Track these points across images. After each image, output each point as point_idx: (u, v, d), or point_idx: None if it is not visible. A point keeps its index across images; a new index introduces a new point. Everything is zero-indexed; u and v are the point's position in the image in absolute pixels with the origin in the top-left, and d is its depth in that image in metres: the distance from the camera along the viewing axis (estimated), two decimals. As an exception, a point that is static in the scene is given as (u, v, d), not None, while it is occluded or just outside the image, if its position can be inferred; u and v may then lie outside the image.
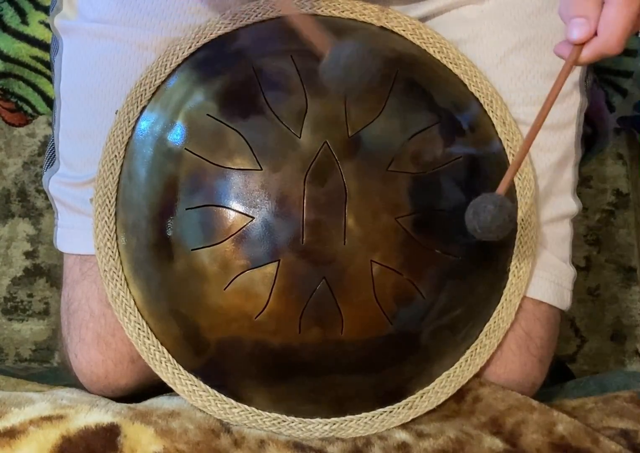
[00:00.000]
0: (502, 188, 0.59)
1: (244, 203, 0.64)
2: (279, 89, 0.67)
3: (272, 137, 0.65)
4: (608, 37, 0.57)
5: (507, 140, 0.72)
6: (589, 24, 0.57)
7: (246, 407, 0.68)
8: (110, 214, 0.69)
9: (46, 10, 1.00)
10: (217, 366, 0.68)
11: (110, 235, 0.69)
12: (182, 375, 0.69)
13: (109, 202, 0.69)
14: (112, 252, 0.69)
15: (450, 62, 0.72)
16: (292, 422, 0.68)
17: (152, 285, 0.68)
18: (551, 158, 0.73)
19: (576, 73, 0.75)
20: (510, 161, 0.72)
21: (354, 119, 0.66)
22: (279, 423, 0.68)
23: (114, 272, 0.69)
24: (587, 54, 0.59)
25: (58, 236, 0.74)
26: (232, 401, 0.68)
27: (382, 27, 0.72)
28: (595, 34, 0.57)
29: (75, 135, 0.74)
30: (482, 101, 0.72)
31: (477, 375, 0.71)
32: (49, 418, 0.62)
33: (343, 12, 0.72)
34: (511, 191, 0.71)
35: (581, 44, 0.58)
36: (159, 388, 0.70)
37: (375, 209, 0.65)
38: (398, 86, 0.68)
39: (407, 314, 0.67)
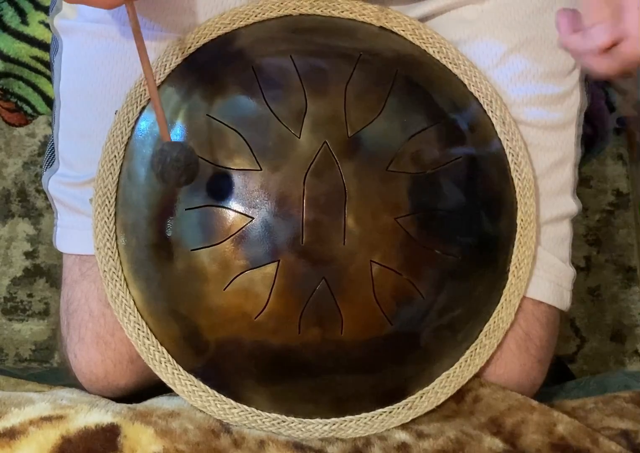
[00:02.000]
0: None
1: (243, 203, 0.64)
2: (279, 89, 0.67)
3: (272, 138, 0.65)
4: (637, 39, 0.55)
5: (507, 140, 0.72)
6: (612, 29, 0.56)
7: (246, 407, 0.68)
8: (110, 215, 0.69)
9: (46, 10, 1.00)
10: (217, 367, 0.68)
11: (109, 235, 0.69)
12: (182, 375, 0.69)
13: (109, 202, 0.69)
14: (112, 252, 0.69)
15: (450, 63, 0.72)
16: (292, 422, 0.68)
17: (151, 285, 0.68)
18: (551, 158, 0.73)
19: (576, 73, 0.75)
20: (510, 161, 0.72)
21: (353, 119, 0.66)
22: (278, 423, 0.68)
23: (113, 272, 0.69)
24: (617, 60, 0.57)
25: (58, 236, 0.74)
26: (232, 401, 0.68)
27: (381, 27, 0.72)
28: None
29: (75, 135, 0.74)
30: (481, 101, 0.72)
31: (477, 375, 0.71)
32: (49, 419, 0.62)
33: (343, 12, 0.72)
34: (511, 191, 0.71)
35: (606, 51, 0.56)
36: (159, 388, 0.70)
37: (375, 210, 0.65)
38: (398, 86, 0.68)
39: (407, 314, 0.67)
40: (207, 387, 0.68)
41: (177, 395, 0.69)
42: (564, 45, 0.60)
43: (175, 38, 0.71)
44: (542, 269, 0.73)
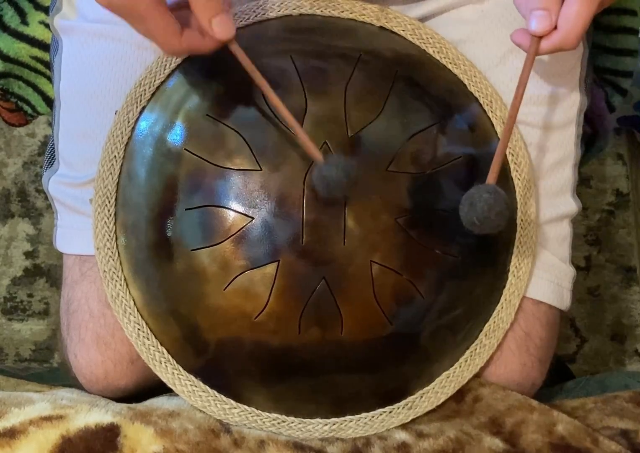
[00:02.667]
0: (491, 177, 0.59)
1: (243, 203, 0.64)
2: (279, 89, 0.67)
3: (272, 138, 0.65)
4: (568, 31, 0.59)
5: (507, 140, 0.71)
6: (550, 18, 0.59)
7: (246, 407, 0.68)
8: (110, 215, 0.69)
9: (46, 10, 1.00)
10: (217, 367, 0.68)
11: (110, 235, 0.69)
12: (182, 375, 0.69)
13: (109, 202, 0.69)
14: (112, 252, 0.69)
15: (450, 62, 0.72)
16: (292, 422, 0.68)
17: (151, 285, 0.68)
18: (551, 158, 0.73)
19: (576, 73, 0.75)
20: (510, 162, 0.72)
21: (353, 119, 0.66)
22: (278, 423, 0.68)
23: (113, 272, 0.69)
24: (546, 46, 0.60)
25: (58, 236, 0.74)
26: (232, 401, 0.68)
27: (381, 27, 0.72)
28: (555, 28, 0.59)
29: (75, 135, 0.74)
30: (481, 101, 0.72)
31: (477, 375, 0.71)
32: (49, 418, 0.62)
33: (343, 12, 0.72)
34: (511, 191, 0.71)
35: (540, 37, 0.60)
36: (159, 388, 0.70)
37: (375, 210, 0.65)
38: (398, 86, 0.68)
39: (407, 314, 0.67)
40: (207, 387, 0.68)
41: (177, 395, 0.69)
42: (515, 4, 0.63)
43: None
44: (542, 270, 0.73)
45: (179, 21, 0.59)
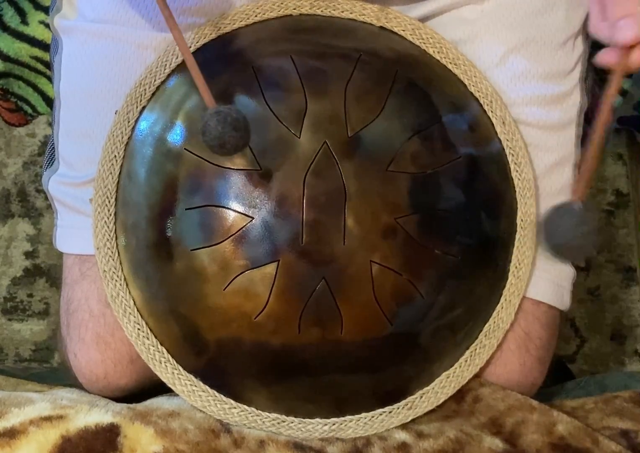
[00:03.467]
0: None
1: (243, 203, 0.64)
2: (279, 89, 0.67)
3: (272, 138, 0.65)
4: None
5: (507, 140, 0.72)
6: (638, 23, 0.54)
7: (246, 407, 0.68)
8: (110, 215, 0.69)
9: (46, 10, 1.00)
10: (217, 367, 0.68)
11: (109, 235, 0.69)
12: (182, 375, 0.69)
13: (109, 202, 0.69)
14: (112, 252, 0.69)
15: (450, 63, 0.72)
16: (292, 422, 0.68)
17: (151, 285, 0.68)
18: (551, 158, 0.73)
19: (576, 73, 0.75)
20: (510, 162, 0.72)
21: (353, 119, 0.66)
22: (278, 423, 0.68)
23: (113, 272, 0.69)
24: (637, 57, 0.55)
25: (58, 236, 0.74)
26: (232, 401, 0.68)
27: (381, 27, 0.72)
28: None
29: (75, 135, 0.74)
30: (481, 101, 0.72)
31: (477, 375, 0.71)
32: (49, 418, 0.62)
33: (343, 12, 0.72)
34: (511, 191, 0.71)
35: (630, 48, 0.54)
36: (159, 388, 0.70)
37: (375, 210, 0.65)
38: (398, 86, 0.68)
39: (407, 314, 0.67)
40: (207, 387, 0.68)
41: (177, 395, 0.69)
42: (592, 31, 0.58)
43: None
44: (542, 270, 0.73)
45: None
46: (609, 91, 0.55)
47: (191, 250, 0.65)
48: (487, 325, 0.71)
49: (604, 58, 0.57)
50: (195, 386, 0.68)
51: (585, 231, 0.50)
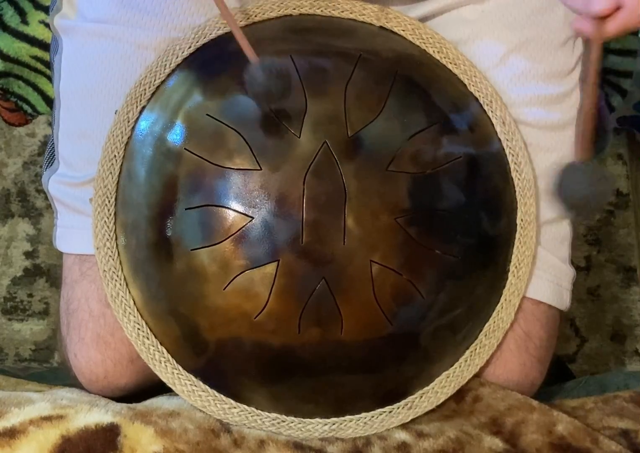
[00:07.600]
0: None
1: (243, 203, 0.64)
2: (279, 89, 0.67)
3: (272, 138, 0.65)
4: (635, 7, 0.55)
5: (507, 140, 0.72)
6: None
7: (245, 407, 0.68)
8: (110, 214, 0.69)
9: (46, 10, 1.00)
10: (217, 367, 0.68)
11: (109, 235, 0.69)
12: (182, 375, 0.69)
13: (109, 202, 0.69)
14: (112, 252, 0.69)
15: (450, 62, 0.72)
16: (292, 422, 0.68)
17: (151, 285, 0.68)
18: (551, 158, 0.73)
19: (576, 73, 0.75)
20: (510, 161, 0.72)
21: (353, 119, 0.66)
22: (278, 423, 0.68)
23: (113, 272, 0.69)
24: (613, 27, 0.56)
25: (57, 236, 0.74)
26: (232, 401, 0.68)
27: (381, 27, 0.72)
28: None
29: (75, 135, 0.74)
30: (481, 101, 0.72)
31: (477, 375, 0.71)
32: (49, 418, 0.62)
33: (343, 12, 0.72)
34: (511, 191, 0.71)
35: (604, 18, 0.56)
36: (159, 388, 0.70)
37: (375, 209, 0.65)
38: (398, 86, 0.68)
39: (407, 314, 0.67)
40: (207, 387, 0.68)
41: (177, 395, 0.69)
42: (567, 2, 0.59)
43: (175, 38, 0.71)
44: (542, 269, 0.73)
45: None
46: (592, 56, 0.57)
47: (191, 250, 0.65)
48: (487, 325, 0.71)
49: (579, 26, 0.58)
50: (195, 386, 0.68)
51: (601, 186, 0.53)
